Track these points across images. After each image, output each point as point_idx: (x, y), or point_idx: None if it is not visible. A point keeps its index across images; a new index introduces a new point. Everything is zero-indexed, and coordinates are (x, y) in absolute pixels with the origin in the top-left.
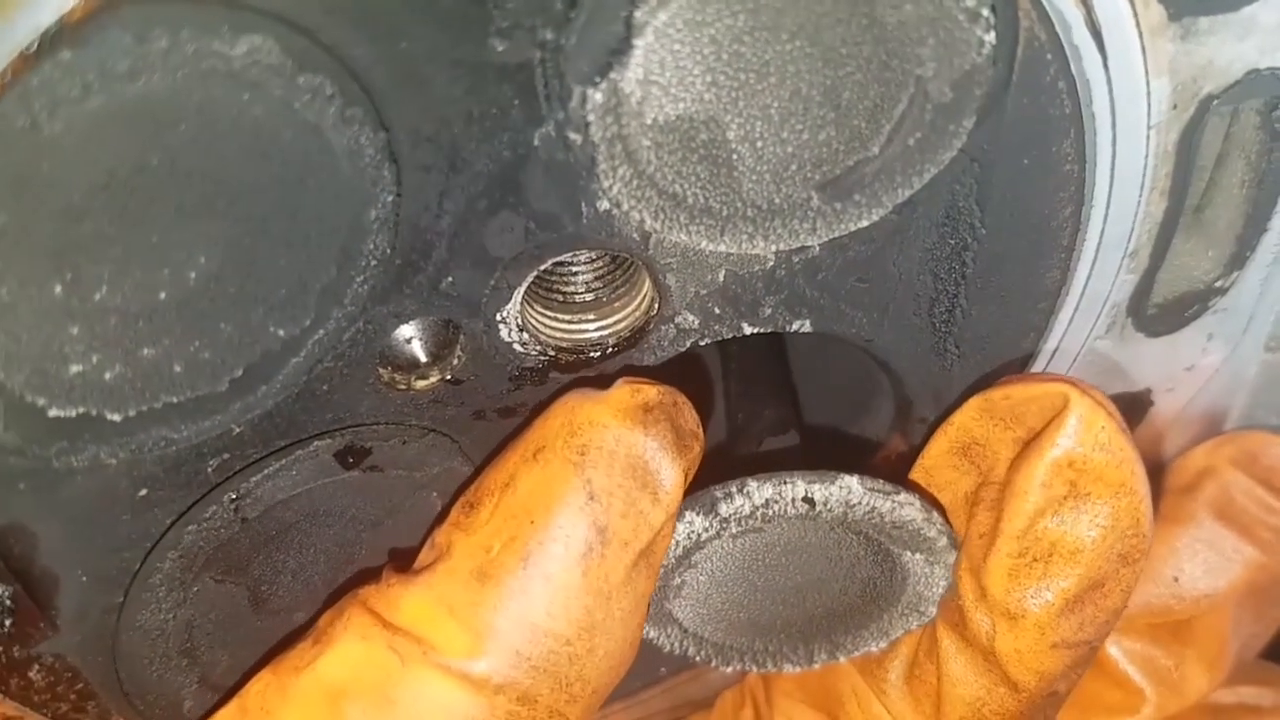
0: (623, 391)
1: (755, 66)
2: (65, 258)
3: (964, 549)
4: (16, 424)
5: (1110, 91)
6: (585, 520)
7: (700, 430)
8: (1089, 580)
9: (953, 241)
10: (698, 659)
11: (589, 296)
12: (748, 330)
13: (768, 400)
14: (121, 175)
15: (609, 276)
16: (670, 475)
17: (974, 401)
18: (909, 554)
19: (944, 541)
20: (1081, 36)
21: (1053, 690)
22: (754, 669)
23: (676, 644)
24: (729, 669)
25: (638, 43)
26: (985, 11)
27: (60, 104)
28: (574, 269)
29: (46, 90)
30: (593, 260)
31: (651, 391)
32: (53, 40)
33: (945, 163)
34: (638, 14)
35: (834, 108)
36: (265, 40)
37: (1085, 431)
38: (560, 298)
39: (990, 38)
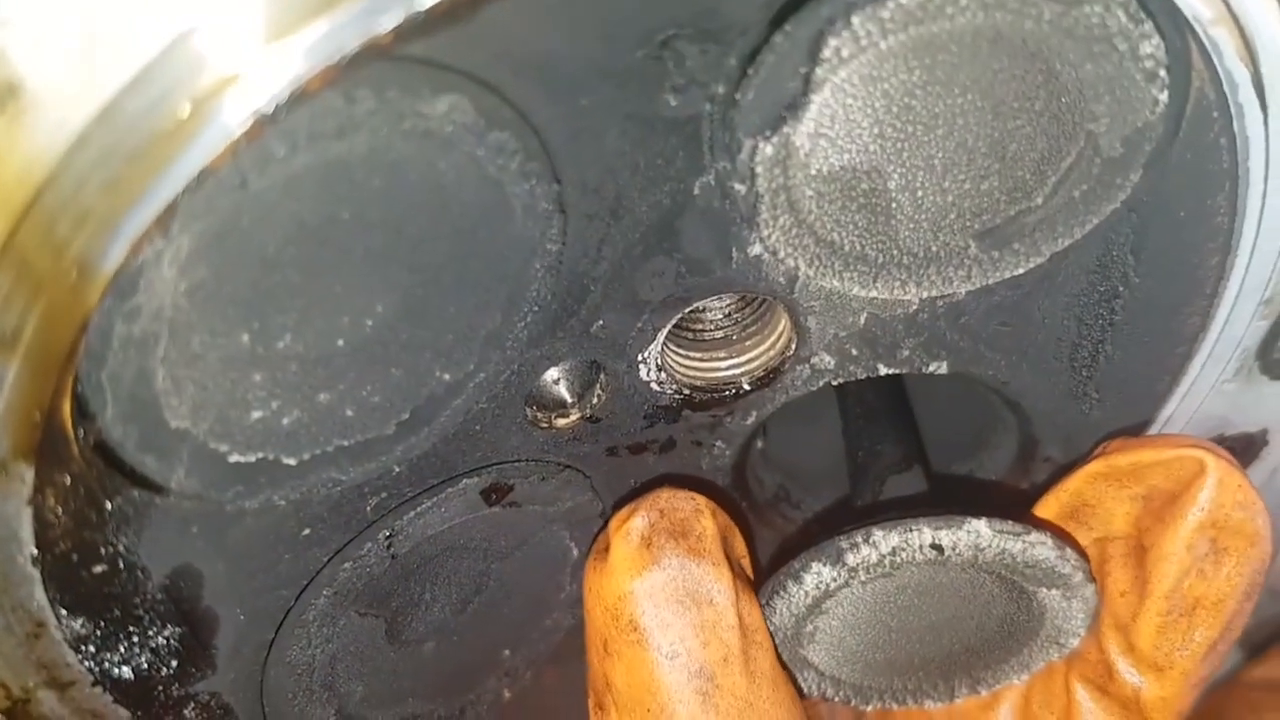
0: (617, 548)
1: (924, 119)
2: (254, 308)
3: (1105, 607)
4: (198, 470)
5: (1267, 148)
6: (682, 676)
7: (699, 499)
8: (1224, 624)
9: (1103, 288)
10: (836, 699)
11: (718, 335)
12: (883, 371)
13: (889, 439)
14: (313, 228)
15: (737, 315)
16: (707, 572)
17: (1093, 467)
18: (1044, 590)
19: (1080, 577)
20: (1247, 95)
21: None
22: (895, 706)
23: (814, 686)
24: (868, 708)
25: (814, 98)
26: (1162, 72)
27: (269, 162)
28: (704, 308)
29: (260, 149)
30: (723, 299)
31: (636, 522)
32: (286, 105)
33: (1107, 214)
34: (818, 71)
35: (999, 159)
36: (461, 99)
37: (1224, 492)
38: (690, 335)
39: (1164, 96)
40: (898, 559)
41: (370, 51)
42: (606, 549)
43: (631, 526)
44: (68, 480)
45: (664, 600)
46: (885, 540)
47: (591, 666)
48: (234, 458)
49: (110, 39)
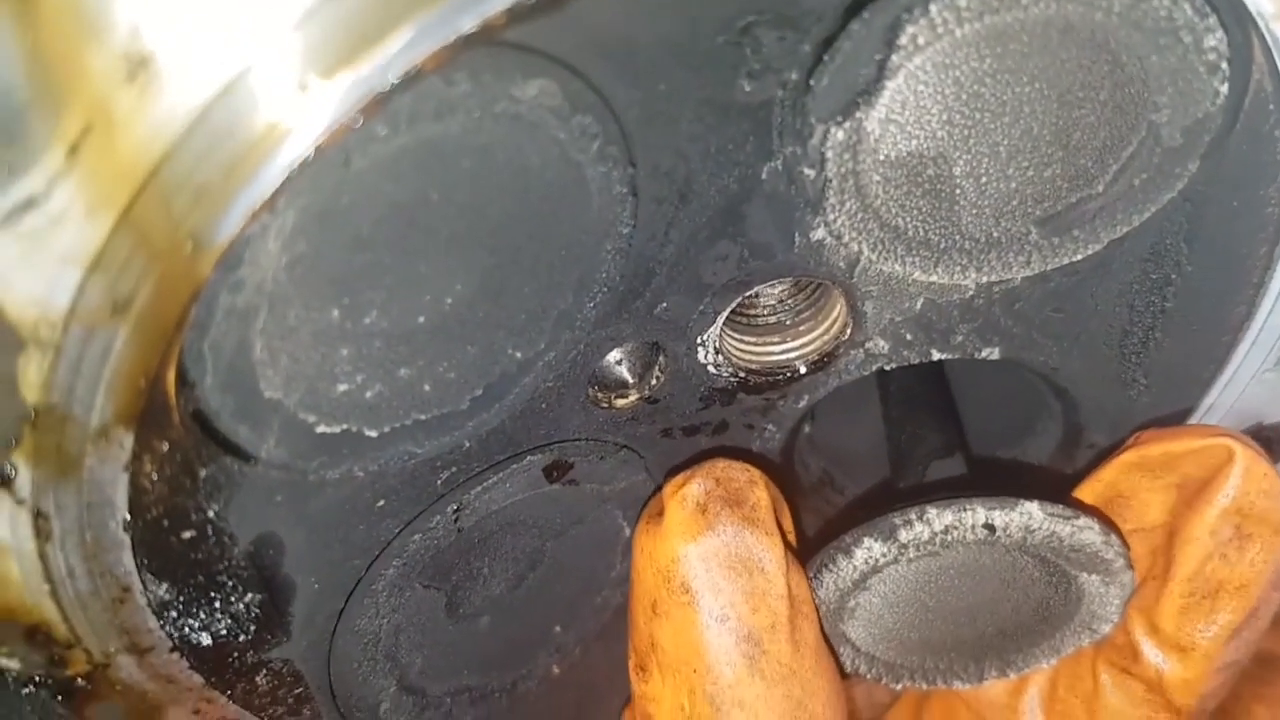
0: (672, 512)
1: (992, 107)
2: (346, 284)
3: (1135, 591)
4: (287, 440)
5: None
6: (730, 640)
7: (753, 470)
8: (1249, 610)
9: (1155, 276)
10: (869, 676)
11: (773, 319)
12: (936, 356)
13: (931, 423)
14: (404, 208)
15: (791, 301)
16: (759, 540)
17: (1127, 457)
18: (1085, 575)
19: (1121, 563)
20: None
21: (1204, 708)
22: (924, 686)
23: (849, 662)
24: (898, 686)
25: (888, 84)
26: (1224, 65)
27: (371, 141)
28: (760, 293)
29: (366, 129)
30: (778, 284)
31: (693, 488)
32: (399, 84)
33: (1165, 202)
34: (894, 58)
35: (1063, 147)
36: (550, 83)
37: (1250, 480)
38: (745, 320)
39: (1224, 88)
40: (949, 537)
41: (481, 35)
42: (660, 513)
43: (687, 492)
44: (165, 447)
45: (716, 565)
46: (939, 518)
47: (636, 627)
48: (321, 429)
49: (236, 17)
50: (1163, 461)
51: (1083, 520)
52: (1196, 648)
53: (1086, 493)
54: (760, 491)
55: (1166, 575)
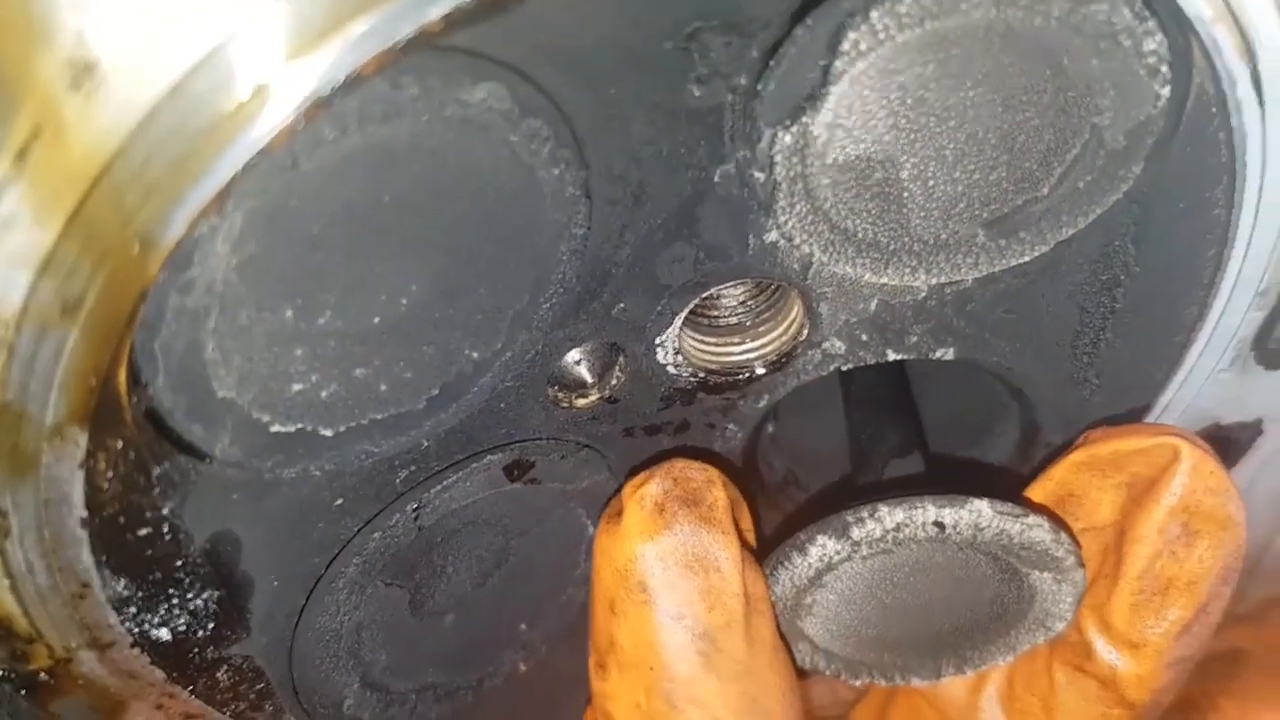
0: (631, 511)
1: (937, 111)
2: (299, 285)
3: (1086, 592)
4: (241, 439)
5: (1264, 142)
6: (686, 637)
7: (711, 470)
8: (1199, 605)
9: (1105, 277)
10: (828, 672)
11: (733, 320)
12: (891, 357)
13: (891, 423)
14: (356, 209)
15: (752, 302)
16: (716, 539)
17: (1076, 456)
18: (1037, 573)
19: (1071, 560)
20: (1245, 91)
21: (1159, 702)
22: (882, 682)
23: (808, 659)
24: (857, 682)
25: (833, 89)
26: (1164, 68)
27: (320, 144)
28: (720, 294)
29: (312, 131)
30: (738, 286)
31: (651, 488)
32: (340, 88)
33: (1110, 204)
34: (837, 63)
35: (1008, 150)
36: (498, 87)
37: (1197, 478)
38: (707, 321)
39: (1165, 91)
40: (901, 535)
41: (420, 40)
42: (619, 513)
43: (646, 492)
44: (119, 445)
45: (673, 563)
46: (890, 516)
47: (596, 626)
48: (275, 428)
49: (179, 22)
50: (1111, 460)
51: (1032, 518)
52: (1148, 644)
53: (1038, 491)
54: (718, 491)
55: (1117, 573)
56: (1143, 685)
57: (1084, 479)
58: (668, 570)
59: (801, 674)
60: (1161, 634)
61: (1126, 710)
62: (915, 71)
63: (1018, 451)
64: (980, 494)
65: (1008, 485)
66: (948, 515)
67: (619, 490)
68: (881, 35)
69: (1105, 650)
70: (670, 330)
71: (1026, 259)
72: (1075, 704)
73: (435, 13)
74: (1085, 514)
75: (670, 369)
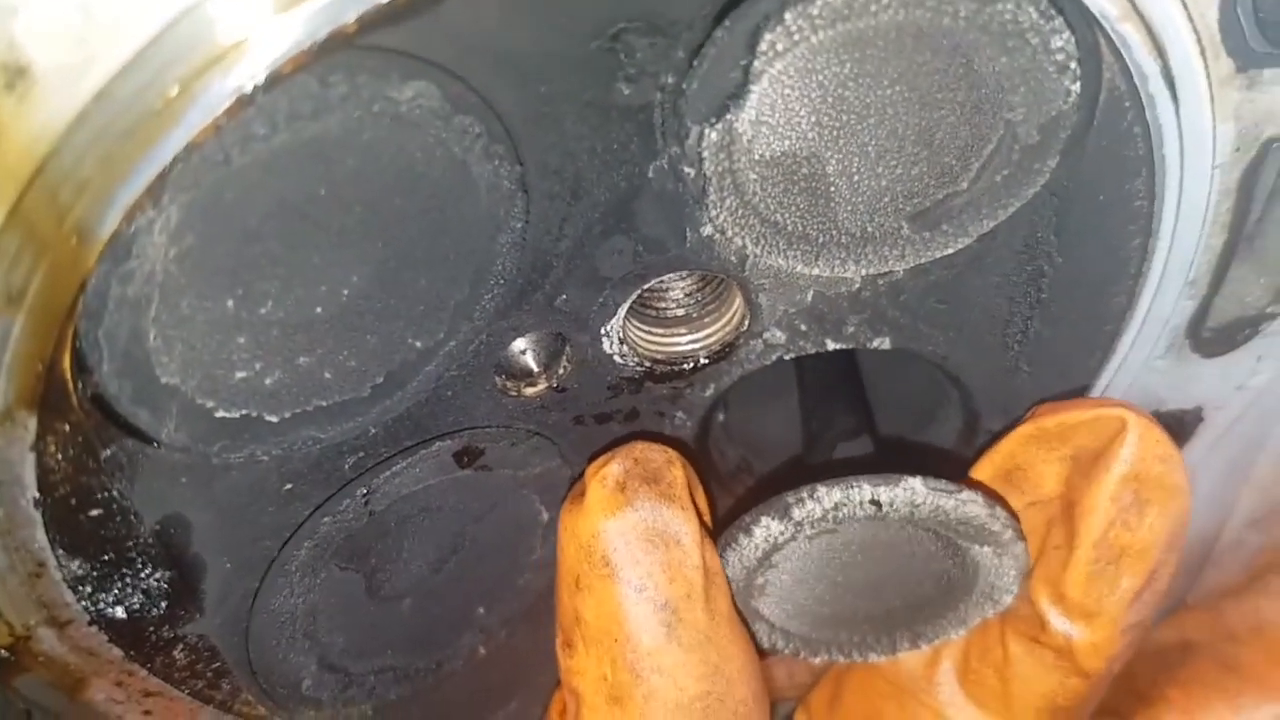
0: (593, 490)
1: (857, 109)
2: (238, 275)
3: (1038, 563)
4: (187, 424)
5: (1180, 136)
6: (649, 609)
7: (670, 451)
8: (1149, 572)
9: (1029, 268)
10: (786, 651)
11: (680, 312)
12: (831, 346)
13: (841, 409)
14: (291, 203)
15: (699, 294)
16: (675, 514)
17: (1024, 429)
18: (977, 547)
19: (1009, 534)
20: (1157, 86)
21: (1111, 669)
22: (841, 659)
23: (766, 638)
24: (817, 660)
25: (754, 88)
26: (1073, 64)
27: (250, 140)
28: (667, 287)
29: (241, 128)
30: (684, 279)
31: (613, 467)
32: (263, 86)
33: (1028, 198)
34: (756, 63)
35: (927, 146)
36: (428, 86)
37: (1145, 446)
38: (654, 313)
39: (1076, 87)
40: (840, 514)
41: (336, 40)
42: (582, 494)
43: (608, 471)
44: (67, 429)
45: (635, 538)
46: (828, 496)
47: (561, 604)
48: (220, 413)
49: (107, 25)
50: (1058, 433)
51: (965, 494)
52: (1103, 612)
53: (986, 465)
54: (677, 470)
55: (1071, 544)
56: (1098, 653)
57: (1030, 452)
58: (630, 545)
59: (761, 655)
60: (1115, 601)
61: (1082, 679)
62: (833, 71)
63: (960, 438)
64: (921, 474)
65: (955, 468)
66: (883, 494)
67: (580, 476)
68: (797, 36)
69: (1059, 621)
70: (614, 321)
71: (951, 251)
72: (1031, 674)
73: (350, 15)
74: (1031, 487)
75: (616, 358)
